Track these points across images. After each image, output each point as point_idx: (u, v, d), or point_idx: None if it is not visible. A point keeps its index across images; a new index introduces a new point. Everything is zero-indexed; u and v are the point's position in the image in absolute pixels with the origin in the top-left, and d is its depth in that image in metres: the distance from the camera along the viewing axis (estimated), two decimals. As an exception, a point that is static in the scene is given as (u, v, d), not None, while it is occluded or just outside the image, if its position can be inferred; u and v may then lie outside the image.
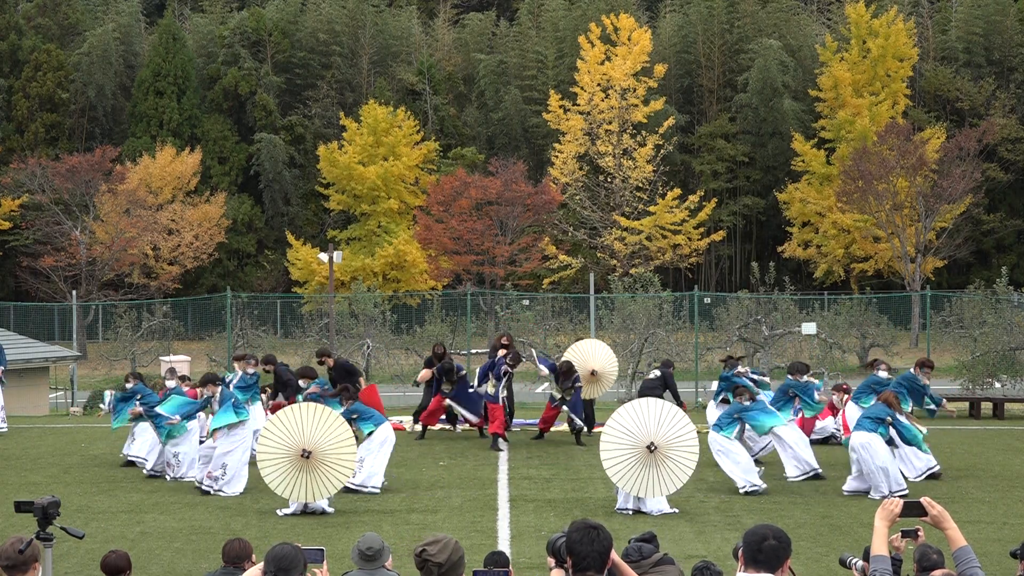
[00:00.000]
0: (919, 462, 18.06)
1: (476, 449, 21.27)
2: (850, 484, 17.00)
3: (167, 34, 60.39)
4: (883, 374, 19.60)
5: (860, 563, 8.07)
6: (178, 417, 18.26)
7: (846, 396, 21.08)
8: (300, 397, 19.22)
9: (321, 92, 62.68)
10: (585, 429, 21.59)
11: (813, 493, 17.10)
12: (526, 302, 34.45)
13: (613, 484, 15.80)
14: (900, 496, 16.27)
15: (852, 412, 19.41)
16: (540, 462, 19.77)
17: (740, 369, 21.26)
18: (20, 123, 59.95)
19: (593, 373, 22.23)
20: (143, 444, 19.17)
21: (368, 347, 29.95)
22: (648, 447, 15.05)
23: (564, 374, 21.09)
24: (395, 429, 24.21)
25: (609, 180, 55.53)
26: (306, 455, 15.10)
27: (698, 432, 23.63)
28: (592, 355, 22.62)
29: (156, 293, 51.16)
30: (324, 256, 41.92)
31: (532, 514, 15.60)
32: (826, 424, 21.70)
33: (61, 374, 34.79)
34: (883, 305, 35.99)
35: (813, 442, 21.67)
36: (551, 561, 6.37)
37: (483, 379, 21.40)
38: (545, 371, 21.75)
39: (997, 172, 56.38)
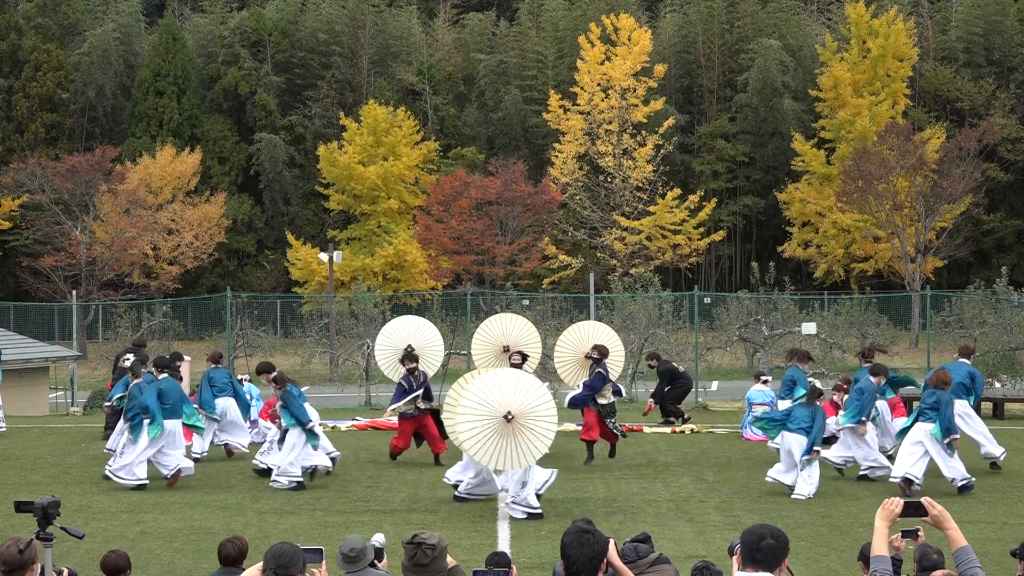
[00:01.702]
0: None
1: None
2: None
3: (167, 34, 60.40)
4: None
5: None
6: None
7: (846, 396, 21.05)
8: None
9: (321, 92, 62.68)
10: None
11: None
12: (526, 302, 34.43)
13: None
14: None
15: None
16: (540, 462, 19.74)
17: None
18: (20, 123, 59.95)
19: (588, 357, 21.71)
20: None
21: (368, 347, 29.93)
22: (505, 416, 14.81)
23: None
24: (394, 429, 24.15)
25: (609, 180, 55.53)
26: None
27: (693, 431, 23.82)
28: (590, 337, 21.94)
29: (156, 293, 51.14)
30: (324, 256, 41.91)
31: (532, 514, 15.59)
32: (828, 423, 21.64)
33: (61, 374, 34.77)
34: (883, 305, 35.96)
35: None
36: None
37: None
38: None
39: (997, 172, 56.37)
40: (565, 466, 19.52)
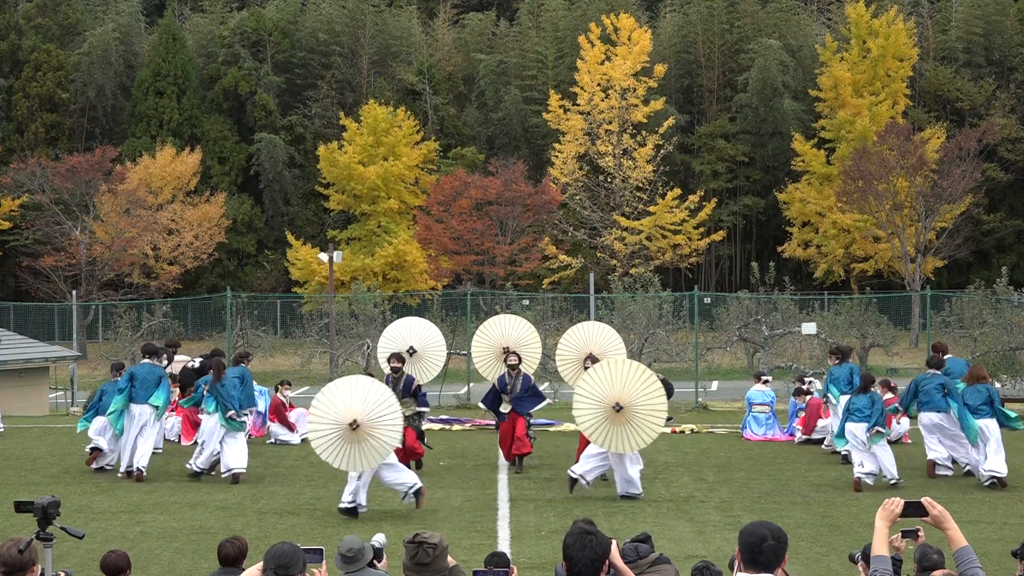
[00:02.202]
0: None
1: (476, 449, 21.26)
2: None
3: (167, 34, 60.41)
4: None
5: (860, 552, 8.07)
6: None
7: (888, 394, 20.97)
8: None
9: (321, 92, 62.70)
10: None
11: (813, 493, 17.12)
12: (526, 302, 34.42)
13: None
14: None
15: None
16: (541, 462, 19.77)
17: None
18: (20, 123, 59.96)
19: (590, 358, 21.56)
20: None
21: (368, 347, 29.95)
22: (350, 425, 14.99)
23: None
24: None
25: (609, 180, 55.53)
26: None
27: (693, 431, 23.83)
28: (593, 337, 21.79)
29: (156, 293, 51.15)
30: (324, 256, 41.88)
31: (532, 514, 15.60)
32: (827, 424, 21.68)
33: (61, 374, 34.77)
34: (883, 305, 35.96)
35: (814, 442, 21.75)
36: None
37: (495, 398, 19.55)
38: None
39: (997, 172, 56.37)
40: (564, 466, 19.52)
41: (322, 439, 15.38)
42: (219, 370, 18.48)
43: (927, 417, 18.33)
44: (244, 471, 17.96)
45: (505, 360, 20.14)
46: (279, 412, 22.75)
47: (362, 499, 15.64)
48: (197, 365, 22.53)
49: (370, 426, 15.17)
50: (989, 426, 17.56)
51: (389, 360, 19.68)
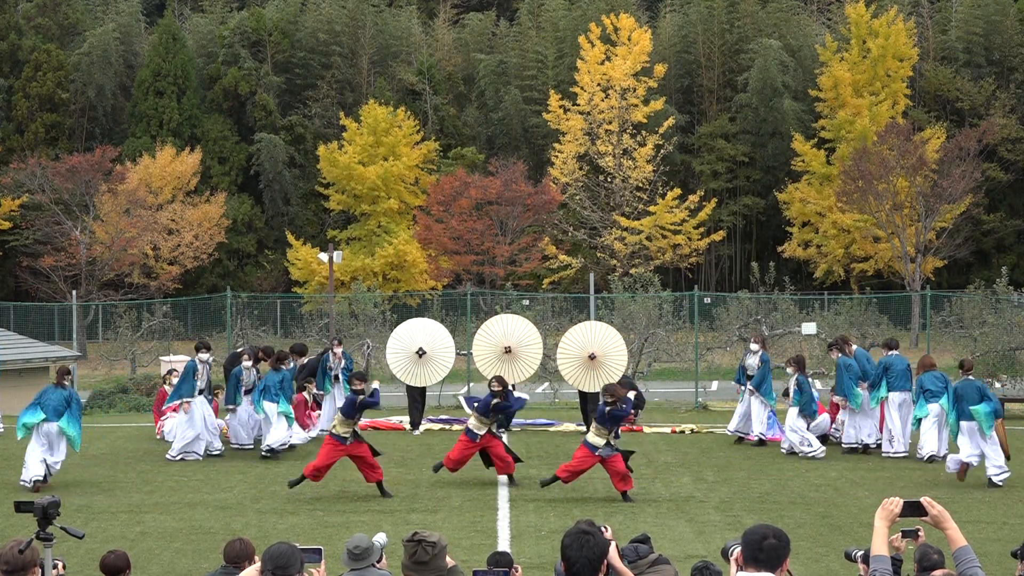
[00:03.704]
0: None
1: (476, 449, 21.22)
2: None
3: (167, 34, 60.40)
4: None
5: (862, 553, 8.06)
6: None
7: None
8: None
9: (321, 92, 62.68)
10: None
11: (813, 493, 17.12)
12: (526, 302, 34.41)
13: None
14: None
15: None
16: (540, 462, 19.77)
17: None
18: (20, 123, 59.94)
19: (592, 358, 21.49)
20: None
21: (368, 347, 29.93)
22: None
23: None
24: (395, 429, 24.16)
25: (609, 180, 55.52)
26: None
27: (693, 431, 23.82)
28: (594, 337, 21.75)
29: (156, 293, 51.12)
30: (324, 256, 41.88)
31: (532, 514, 15.61)
32: (823, 422, 21.69)
33: (61, 374, 34.65)
34: (883, 305, 35.94)
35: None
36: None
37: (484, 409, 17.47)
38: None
39: (997, 172, 56.36)
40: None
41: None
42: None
43: (899, 396, 20.15)
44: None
45: (490, 385, 18.03)
46: (298, 410, 22.65)
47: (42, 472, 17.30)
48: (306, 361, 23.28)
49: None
50: (938, 412, 19.16)
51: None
